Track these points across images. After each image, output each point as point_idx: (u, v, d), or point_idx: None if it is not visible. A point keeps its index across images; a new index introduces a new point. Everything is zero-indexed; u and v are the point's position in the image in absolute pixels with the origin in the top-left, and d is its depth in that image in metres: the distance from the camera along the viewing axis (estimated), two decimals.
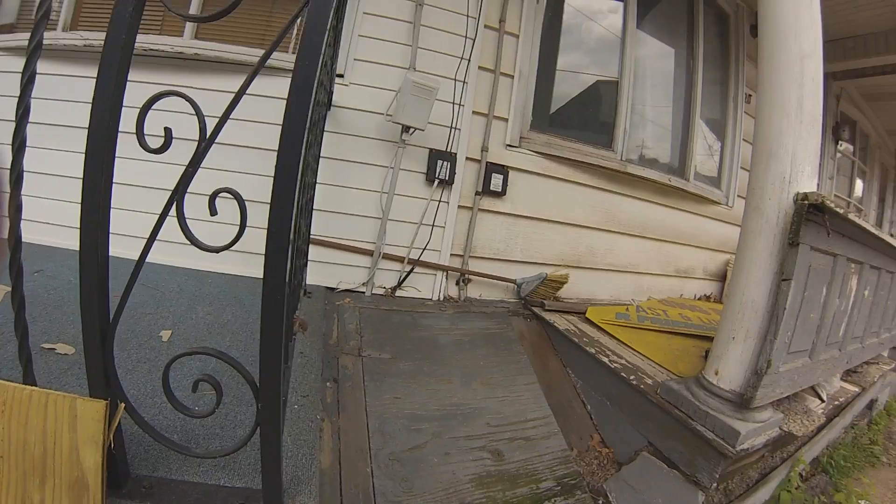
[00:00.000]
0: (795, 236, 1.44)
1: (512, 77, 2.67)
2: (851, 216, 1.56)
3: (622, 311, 2.70)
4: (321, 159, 2.20)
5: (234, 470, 1.12)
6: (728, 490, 1.67)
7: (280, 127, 0.78)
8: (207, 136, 0.75)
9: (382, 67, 2.47)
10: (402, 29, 2.49)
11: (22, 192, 0.77)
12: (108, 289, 0.85)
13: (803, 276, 1.50)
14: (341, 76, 2.44)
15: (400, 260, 2.49)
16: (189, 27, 2.44)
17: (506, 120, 2.64)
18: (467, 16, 2.55)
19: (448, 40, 2.54)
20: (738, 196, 3.68)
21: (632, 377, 1.88)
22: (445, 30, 2.54)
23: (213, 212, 0.79)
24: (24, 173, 0.77)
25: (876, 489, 1.99)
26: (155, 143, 0.78)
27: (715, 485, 1.54)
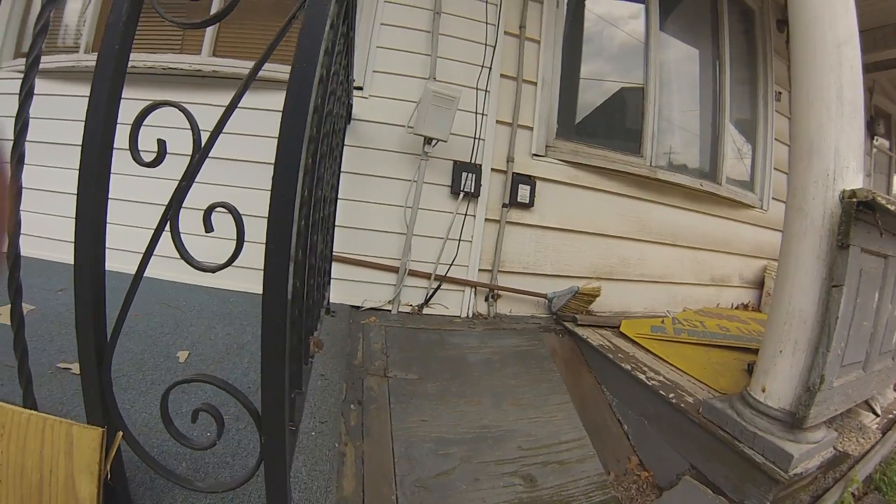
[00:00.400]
0: (845, 238, 1.40)
1: (535, 84, 2.73)
2: None
3: (657, 323, 2.73)
4: (342, 174, 2.26)
5: (243, 502, 1.10)
6: None
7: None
8: (202, 148, 0.74)
9: (402, 78, 2.54)
10: (420, 39, 2.57)
11: (21, 208, 0.78)
12: (105, 307, 0.83)
13: (855, 281, 1.46)
14: (360, 88, 2.50)
15: (426, 276, 2.54)
16: (207, 45, 2.55)
17: (531, 128, 2.71)
18: (486, 23, 2.63)
19: (468, 49, 2.61)
20: (773, 199, 3.71)
21: (671, 395, 1.87)
22: (465, 38, 2.61)
23: (208, 228, 0.77)
24: (25, 189, 0.78)
25: None
26: (151, 156, 0.79)
27: None
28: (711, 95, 3.43)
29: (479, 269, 2.62)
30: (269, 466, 0.84)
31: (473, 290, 2.63)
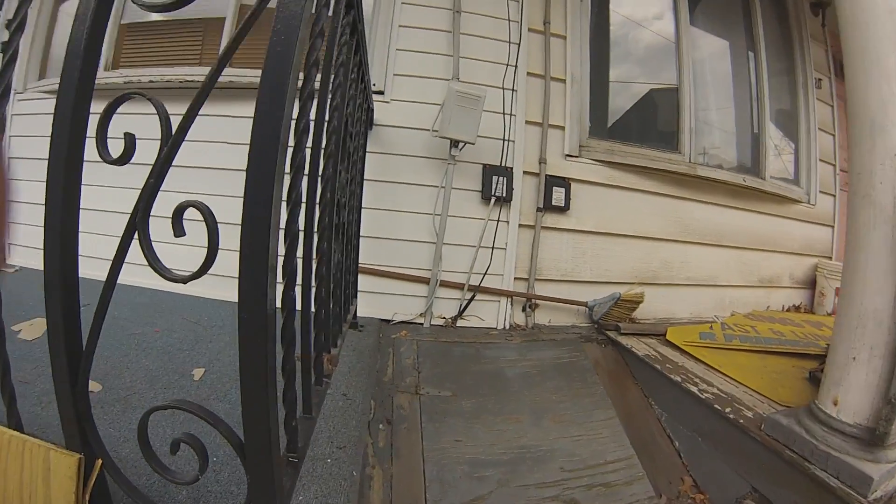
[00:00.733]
0: None
1: (564, 82, 2.72)
2: None
3: (706, 329, 2.67)
4: (366, 182, 2.27)
5: None
6: None
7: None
8: (171, 142, 0.69)
9: (424, 81, 2.55)
10: (441, 39, 2.58)
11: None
12: (80, 321, 0.80)
13: None
14: (381, 93, 2.52)
15: (459, 287, 2.53)
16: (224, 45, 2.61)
17: (562, 128, 2.69)
18: (508, 20, 2.63)
19: (491, 47, 2.62)
20: (821, 192, 3.64)
21: (727, 409, 1.80)
22: (487, 36, 2.62)
23: (177, 231, 0.70)
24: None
25: None
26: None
27: None
28: (748, 86, 3.38)
29: (515, 278, 2.60)
30: None
31: (509, 299, 2.61)
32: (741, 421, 1.73)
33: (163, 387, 1.55)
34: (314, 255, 1.14)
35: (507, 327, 2.60)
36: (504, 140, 2.57)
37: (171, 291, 2.39)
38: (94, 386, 1.47)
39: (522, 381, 2.16)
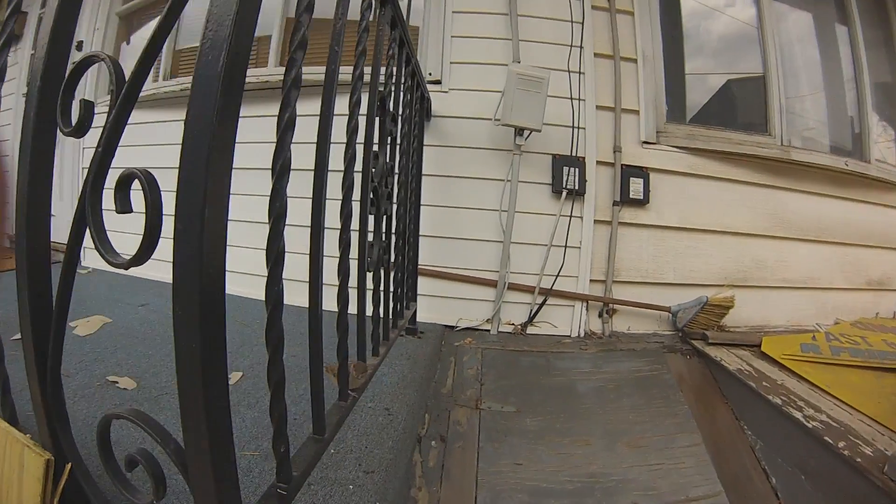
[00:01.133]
0: None
1: (635, 62, 2.59)
2: None
3: (807, 340, 2.43)
4: (424, 177, 2.24)
5: None
6: None
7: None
8: (118, 103, 0.63)
9: (483, 67, 2.50)
10: (498, 23, 2.53)
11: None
12: (51, 319, 0.75)
13: None
14: (438, 82, 2.50)
15: (529, 290, 2.43)
16: (273, 55, 2.72)
17: (637, 112, 2.55)
18: None
19: (552, 28, 2.53)
20: None
21: (840, 443, 1.55)
22: (547, 16, 2.54)
23: (121, 207, 0.62)
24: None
25: None
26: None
27: None
28: (844, 55, 3.14)
29: (591, 280, 2.47)
30: None
31: (585, 304, 2.48)
32: (858, 459, 1.47)
33: None
34: (336, 247, 1.06)
35: (582, 335, 2.47)
36: (573, 127, 2.46)
37: (228, 293, 2.43)
38: (129, 383, 1.53)
39: (596, 397, 2.03)
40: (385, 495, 1.22)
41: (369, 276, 1.27)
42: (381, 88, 1.24)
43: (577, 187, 2.42)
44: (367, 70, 1.14)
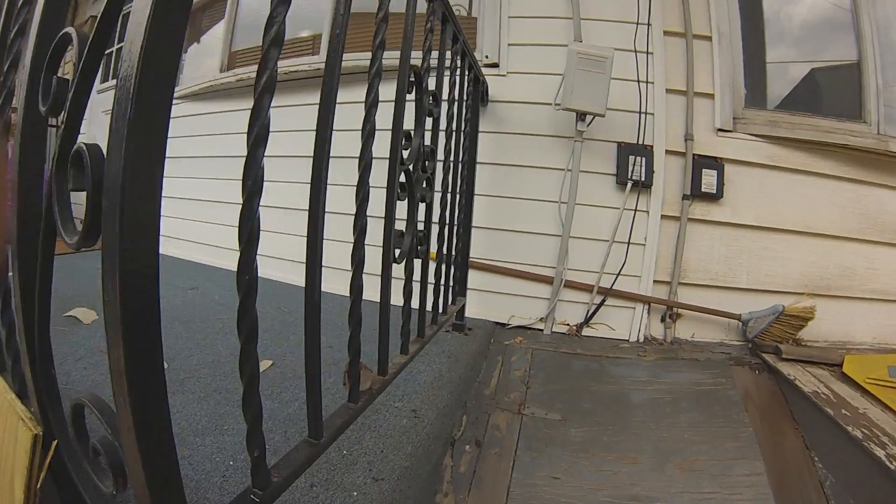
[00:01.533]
0: None
1: (709, 40, 2.41)
2: None
3: None
4: (479, 166, 2.19)
5: None
6: None
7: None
8: (80, 71, 0.61)
9: (542, 49, 2.42)
10: (556, 0, 2.43)
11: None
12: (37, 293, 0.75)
13: None
14: (496, 65, 2.44)
15: (587, 289, 2.35)
16: (324, 43, 2.80)
17: (711, 96, 2.39)
18: None
19: (617, 4, 2.42)
20: None
21: None
22: None
23: (74, 185, 0.59)
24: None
25: None
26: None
27: None
28: None
29: (654, 281, 2.35)
30: None
31: (646, 307, 2.37)
32: None
33: (223, 374, 1.60)
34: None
35: (642, 340, 2.36)
36: (640, 113, 2.32)
37: (273, 279, 2.64)
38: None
39: (650, 409, 1.93)
40: (437, 486, 1.23)
41: (400, 267, 1.23)
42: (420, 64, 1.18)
43: (643, 178, 2.30)
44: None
